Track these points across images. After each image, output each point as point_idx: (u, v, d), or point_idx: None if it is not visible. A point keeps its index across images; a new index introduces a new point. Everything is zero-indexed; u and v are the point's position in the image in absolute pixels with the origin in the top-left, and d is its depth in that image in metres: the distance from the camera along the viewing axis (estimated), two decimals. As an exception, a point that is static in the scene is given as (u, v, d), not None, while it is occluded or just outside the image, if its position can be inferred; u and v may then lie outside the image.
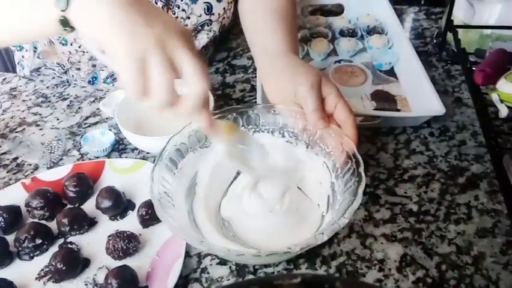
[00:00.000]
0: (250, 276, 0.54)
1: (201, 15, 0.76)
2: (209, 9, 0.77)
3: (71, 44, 0.69)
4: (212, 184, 0.60)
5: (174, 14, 0.75)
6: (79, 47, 0.69)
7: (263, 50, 0.67)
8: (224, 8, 0.78)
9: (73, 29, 0.42)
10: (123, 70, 0.40)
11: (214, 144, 0.58)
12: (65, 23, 0.41)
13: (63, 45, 0.69)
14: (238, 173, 0.63)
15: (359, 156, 0.53)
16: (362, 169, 0.51)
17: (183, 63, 0.40)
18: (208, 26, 0.79)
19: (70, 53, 0.71)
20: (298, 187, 0.61)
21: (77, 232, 0.58)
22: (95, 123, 0.78)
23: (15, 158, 0.72)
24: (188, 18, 0.76)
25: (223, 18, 0.79)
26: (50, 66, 0.84)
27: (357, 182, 0.50)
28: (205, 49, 0.85)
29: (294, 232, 0.56)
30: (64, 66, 0.78)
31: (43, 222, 0.59)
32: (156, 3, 0.72)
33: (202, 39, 0.81)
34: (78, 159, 0.71)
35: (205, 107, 0.45)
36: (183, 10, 0.75)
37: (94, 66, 0.78)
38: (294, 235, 0.55)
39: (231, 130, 0.53)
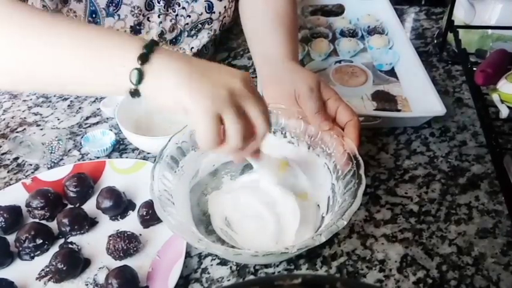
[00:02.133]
0: (251, 277, 0.54)
1: (201, 14, 0.76)
2: (210, 8, 0.77)
3: None
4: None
5: (174, 11, 0.75)
6: None
7: (263, 56, 0.67)
8: (225, 7, 0.78)
9: (139, 95, 0.45)
10: (201, 129, 0.44)
11: (260, 178, 0.59)
12: (134, 94, 0.44)
13: None
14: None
15: (359, 158, 0.53)
16: (362, 171, 0.51)
17: (250, 110, 0.45)
18: (208, 24, 0.79)
19: None
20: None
21: (78, 232, 0.58)
22: (96, 123, 0.78)
23: (16, 158, 0.72)
24: (189, 16, 0.76)
25: (224, 17, 0.79)
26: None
27: (357, 183, 0.50)
28: (205, 49, 0.85)
29: (293, 233, 0.56)
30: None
31: (44, 222, 0.59)
32: (158, 2, 0.72)
33: (203, 38, 0.81)
34: (78, 159, 0.71)
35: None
36: (183, 8, 0.75)
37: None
38: (294, 236, 0.55)
39: (284, 167, 0.57)
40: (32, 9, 0.48)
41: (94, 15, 0.68)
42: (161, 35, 0.75)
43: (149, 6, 0.72)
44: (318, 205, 0.58)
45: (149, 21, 0.73)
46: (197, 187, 0.61)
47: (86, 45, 0.45)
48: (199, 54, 0.85)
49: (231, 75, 0.45)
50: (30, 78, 0.47)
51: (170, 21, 0.75)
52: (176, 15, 0.75)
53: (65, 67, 0.45)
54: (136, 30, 0.72)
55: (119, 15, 0.69)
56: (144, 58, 0.43)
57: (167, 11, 0.74)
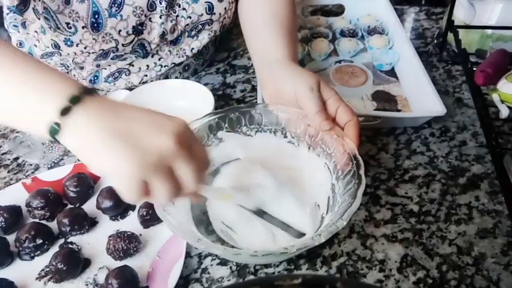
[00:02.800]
0: (251, 277, 0.54)
1: (202, 15, 0.76)
2: (210, 9, 0.77)
3: (77, 45, 0.69)
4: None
5: (175, 12, 0.75)
6: (85, 48, 0.69)
7: (263, 57, 0.67)
8: (225, 8, 0.78)
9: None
10: (123, 189, 0.42)
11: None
12: (55, 140, 0.42)
13: (68, 46, 0.69)
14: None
15: (359, 158, 0.53)
16: (362, 171, 0.51)
17: (179, 170, 0.42)
18: (209, 25, 0.79)
19: (75, 53, 0.71)
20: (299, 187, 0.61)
21: (78, 232, 0.58)
22: (96, 123, 0.77)
23: (16, 158, 0.72)
24: (189, 17, 0.76)
25: (224, 18, 0.79)
26: (53, 66, 0.84)
27: (357, 184, 0.50)
28: (205, 48, 0.85)
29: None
30: (68, 67, 0.78)
31: (44, 222, 0.59)
32: (160, 2, 0.72)
33: (204, 39, 0.81)
34: (79, 160, 0.71)
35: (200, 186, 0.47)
36: (184, 9, 0.75)
37: (98, 66, 0.78)
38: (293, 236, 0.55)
39: (228, 198, 0.56)
40: None
41: (96, 16, 0.68)
42: (162, 35, 0.75)
43: (152, 7, 0.72)
44: (318, 205, 0.58)
45: (151, 21, 0.73)
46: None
47: (16, 82, 0.42)
48: (200, 54, 0.85)
49: (161, 132, 0.41)
50: None
51: (171, 21, 0.75)
52: (177, 16, 0.75)
53: None
54: (138, 30, 0.72)
55: (121, 15, 0.69)
56: (65, 111, 0.40)
57: (169, 12, 0.74)
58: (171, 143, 0.41)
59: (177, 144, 0.41)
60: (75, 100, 0.40)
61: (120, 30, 0.70)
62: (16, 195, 0.62)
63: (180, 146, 0.41)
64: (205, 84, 0.76)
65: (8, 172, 0.69)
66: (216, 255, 0.56)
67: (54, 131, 0.40)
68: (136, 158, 0.40)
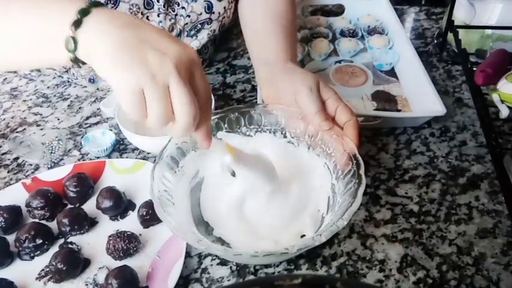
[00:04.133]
0: (251, 277, 0.54)
1: (201, 14, 0.76)
2: (209, 8, 0.77)
3: None
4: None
5: (174, 11, 0.75)
6: None
7: (262, 57, 0.67)
8: (224, 7, 0.78)
9: (82, 64, 0.44)
10: (123, 102, 0.42)
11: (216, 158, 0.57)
12: (75, 62, 0.43)
13: None
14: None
15: (359, 158, 0.53)
16: (362, 171, 0.51)
17: (174, 96, 0.42)
18: (208, 24, 0.79)
19: None
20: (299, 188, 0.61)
21: (78, 232, 0.58)
22: (96, 123, 0.78)
23: (16, 158, 0.72)
24: (189, 16, 0.76)
25: (223, 17, 0.79)
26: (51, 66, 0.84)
27: (357, 183, 0.50)
28: (204, 48, 0.85)
29: (293, 232, 0.56)
30: (66, 65, 0.78)
31: (44, 222, 0.59)
32: (158, 1, 0.72)
33: (203, 38, 0.81)
34: (79, 159, 0.71)
35: (203, 125, 0.46)
36: (183, 8, 0.75)
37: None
38: (294, 235, 0.55)
39: (231, 150, 0.54)
40: None
41: None
42: None
43: (149, 5, 0.72)
44: (318, 210, 0.58)
45: (148, 20, 0.73)
46: (197, 187, 0.61)
47: (29, 10, 0.44)
48: (199, 53, 0.85)
49: (165, 53, 0.41)
50: None
51: (170, 20, 0.75)
52: (176, 14, 0.75)
53: (9, 32, 0.44)
54: None
55: None
56: (77, 24, 0.41)
57: (167, 10, 0.74)
58: (172, 64, 0.41)
59: (177, 69, 0.41)
60: (84, 13, 0.41)
61: None
62: (16, 195, 0.62)
63: (179, 72, 0.41)
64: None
65: (8, 172, 0.69)
66: (216, 255, 0.56)
67: (71, 47, 0.41)
68: (136, 69, 0.40)
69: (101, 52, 0.41)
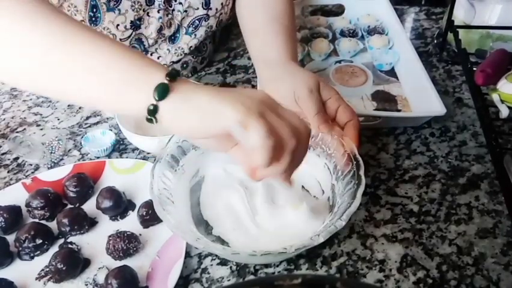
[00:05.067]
0: (251, 277, 0.54)
1: (198, 9, 0.76)
2: (207, 4, 0.77)
3: None
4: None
5: (171, 6, 0.75)
6: None
7: (262, 57, 0.67)
8: (222, 3, 0.78)
9: (155, 120, 0.42)
10: (262, 152, 0.40)
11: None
12: (152, 112, 0.41)
13: None
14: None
15: (359, 159, 0.53)
16: (362, 172, 0.51)
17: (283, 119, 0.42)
18: (205, 21, 0.79)
19: None
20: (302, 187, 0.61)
21: (78, 232, 0.58)
22: (96, 123, 0.78)
23: (16, 158, 0.72)
24: (186, 11, 0.76)
25: (221, 13, 0.79)
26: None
27: (356, 184, 0.50)
28: (203, 46, 0.85)
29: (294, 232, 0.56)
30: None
31: (43, 222, 0.59)
32: None
33: (201, 36, 0.81)
34: (78, 159, 0.71)
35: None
36: (180, 3, 0.75)
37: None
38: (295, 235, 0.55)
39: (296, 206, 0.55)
40: (68, 17, 0.44)
41: (94, 10, 0.68)
42: (159, 30, 0.75)
43: (150, 2, 0.72)
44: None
45: (149, 16, 0.73)
46: (197, 186, 0.61)
47: (115, 65, 0.42)
48: (198, 51, 0.85)
49: (251, 95, 0.42)
50: (49, 82, 0.43)
51: (167, 15, 0.75)
52: (173, 10, 0.75)
53: (87, 83, 0.42)
54: (136, 25, 0.72)
55: (119, 9, 0.69)
56: (172, 76, 0.41)
57: (165, 5, 0.74)
58: (268, 99, 0.43)
59: (271, 100, 0.43)
60: (172, 76, 0.41)
61: (118, 25, 0.70)
62: (16, 195, 0.62)
63: (268, 108, 0.42)
64: (205, 84, 0.76)
65: (8, 172, 0.69)
66: (216, 255, 0.56)
67: (162, 91, 0.41)
68: (246, 100, 0.41)
69: (204, 99, 0.41)
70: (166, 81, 0.41)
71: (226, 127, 0.40)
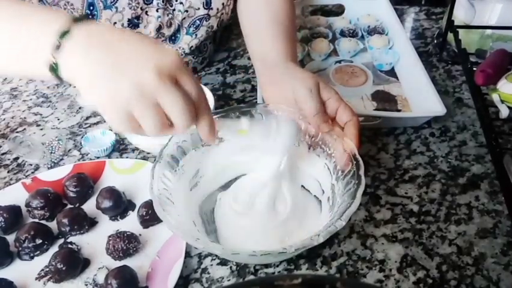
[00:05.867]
0: (251, 277, 0.54)
1: (199, 9, 0.76)
2: (208, 4, 0.77)
3: None
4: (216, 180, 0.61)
5: (172, 6, 0.75)
6: None
7: (262, 58, 0.67)
8: (223, 4, 0.78)
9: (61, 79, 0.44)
10: (110, 120, 0.42)
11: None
12: (54, 69, 0.43)
13: None
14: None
15: (359, 159, 0.53)
16: (362, 172, 0.51)
17: (163, 102, 0.42)
18: (206, 21, 0.79)
19: None
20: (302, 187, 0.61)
21: (78, 232, 0.58)
22: (96, 123, 0.78)
23: (16, 158, 0.72)
24: (186, 11, 0.76)
25: (222, 13, 0.79)
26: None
27: (356, 184, 0.50)
28: (204, 46, 0.85)
29: (295, 232, 0.56)
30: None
31: (43, 222, 0.59)
32: None
33: (202, 36, 0.81)
34: (78, 159, 0.71)
35: (203, 121, 0.46)
36: (181, 3, 0.75)
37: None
38: (295, 235, 0.55)
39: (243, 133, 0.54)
40: None
41: (91, 8, 0.68)
42: (159, 29, 0.75)
43: (148, 0, 0.72)
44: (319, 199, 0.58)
45: (147, 15, 0.73)
46: (197, 186, 0.61)
47: (13, 19, 0.44)
48: (198, 51, 0.85)
49: (145, 65, 0.41)
50: None
51: (168, 15, 0.75)
52: (174, 9, 0.75)
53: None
54: (134, 23, 0.72)
55: (116, 7, 0.69)
56: (57, 47, 0.42)
57: (166, 5, 0.74)
58: (153, 76, 0.41)
59: (160, 79, 0.41)
60: (64, 34, 0.42)
61: (115, 23, 0.70)
62: (16, 195, 0.62)
63: (163, 80, 0.41)
64: (205, 84, 0.76)
65: (8, 172, 0.69)
66: (216, 255, 0.56)
67: (53, 69, 0.42)
68: (119, 90, 0.41)
69: (81, 74, 0.42)
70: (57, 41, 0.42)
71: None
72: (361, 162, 0.52)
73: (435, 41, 0.92)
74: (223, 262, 0.56)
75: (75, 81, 0.43)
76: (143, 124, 0.42)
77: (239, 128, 0.56)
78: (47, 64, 0.42)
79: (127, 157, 0.70)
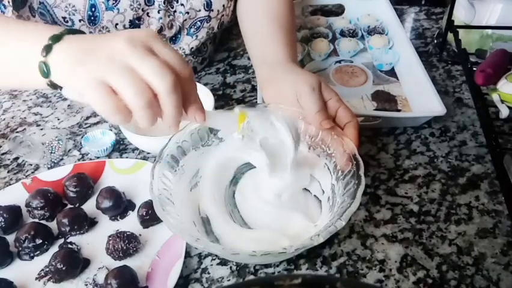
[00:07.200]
0: (251, 277, 0.54)
1: (199, 10, 0.77)
2: (208, 5, 0.77)
3: None
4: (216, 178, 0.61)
5: (173, 7, 0.75)
6: None
7: (262, 58, 0.67)
8: (223, 5, 0.78)
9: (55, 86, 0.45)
10: (90, 99, 0.41)
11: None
12: (52, 86, 0.44)
13: None
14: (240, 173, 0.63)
15: (359, 159, 0.53)
16: (362, 172, 0.51)
17: (141, 70, 0.40)
18: (207, 22, 0.79)
19: None
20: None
21: (77, 232, 0.58)
22: (96, 123, 0.78)
23: (16, 158, 0.72)
24: (187, 13, 0.76)
25: (222, 15, 0.79)
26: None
27: (356, 184, 0.50)
28: (204, 46, 0.85)
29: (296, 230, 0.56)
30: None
31: (43, 222, 0.59)
32: None
33: (203, 37, 0.81)
34: (78, 159, 0.71)
35: (192, 101, 0.45)
36: (182, 5, 0.75)
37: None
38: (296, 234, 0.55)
39: (242, 118, 0.52)
40: None
41: (93, 9, 0.68)
42: (160, 31, 0.75)
43: (149, 1, 0.72)
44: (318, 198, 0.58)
45: (148, 16, 0.73)
46: (197, 186, 0.61)
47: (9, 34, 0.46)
48: (198, 52, 0.85)
49: (115, 37, 0.41)
50: None
51: (169, 17, 0.75)
52: (175, 11, 0.75)
53: None
54: (135, 24, 0.72)
55: (118, 8, 0.69)
56: (48, 49, 0.42)
57: (167, 7, 0.74)
58: (124, 44, 0.40)
59: (131, 45, 0.40)
60: (56, 39, 0.43)
61: (117, 24, 0.71)
62: (16, 195, 0.62)
63: (134, 46, 0.40)
64: (205, 84, 0.76)
65: (8, 172, 0.69)
66: (216, 255, 0.56)
67: (44, 72, 0.43)
68: (93, 66, 0.40)
69: (63, 63, 0.42)
70: (42, 59, 0.43)
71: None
72: (361, 162, 0.52)
73: (435, 41, 0.92)
74: (223, 262, 0.56)
75: (66, 82, 0.43)
76: (125, 95, 0.40)
77: (235, 117, 0.54)
78: (39, 67, 0.43)
79: (127, 157, 0.70)
